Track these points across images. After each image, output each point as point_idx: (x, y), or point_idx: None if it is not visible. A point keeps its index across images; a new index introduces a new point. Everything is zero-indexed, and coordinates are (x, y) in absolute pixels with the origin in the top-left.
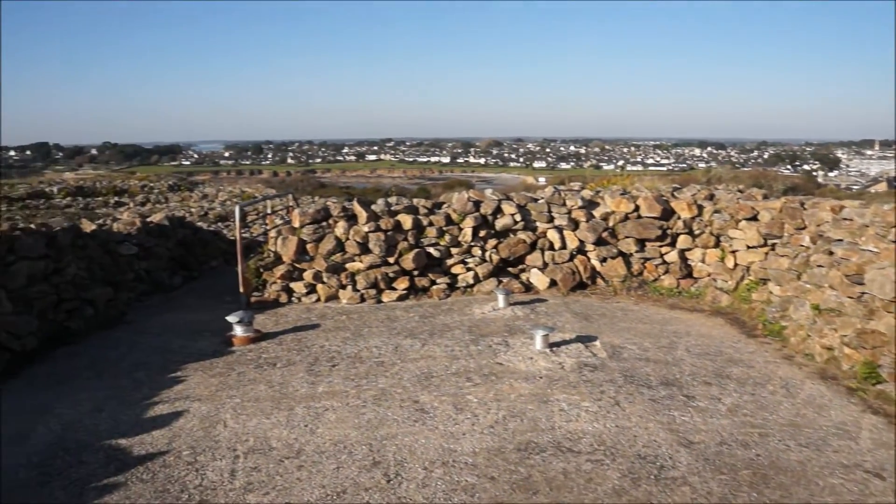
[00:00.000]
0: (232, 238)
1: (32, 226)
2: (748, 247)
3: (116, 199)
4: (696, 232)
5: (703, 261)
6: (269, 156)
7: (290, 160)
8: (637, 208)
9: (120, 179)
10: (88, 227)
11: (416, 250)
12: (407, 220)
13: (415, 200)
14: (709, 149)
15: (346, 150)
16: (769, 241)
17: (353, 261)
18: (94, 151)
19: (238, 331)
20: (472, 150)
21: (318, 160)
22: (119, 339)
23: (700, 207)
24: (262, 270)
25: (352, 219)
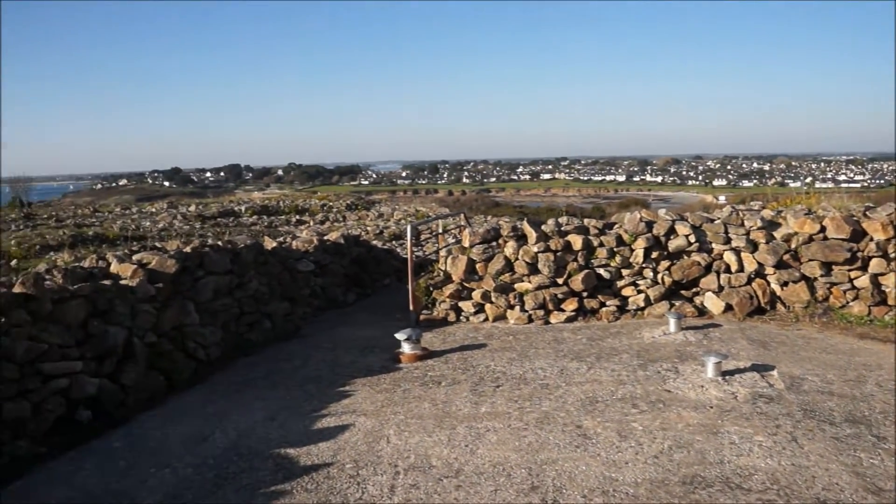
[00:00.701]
0: (404, 256)
1: (220, 243)
2: None
3: (298, 217)
4: (893, 255)
5: None
6: (445, 175)
7: (465, 179)
8: (823, 229)
9: (301, 199)
10: (270, 244)
11: (586, 271)
12: (577, 241)
13: (585, 220)
14: None
15: (520, 168)
16: None
17: (522, 281)
18: (279, 172)
19: (406, 348)
20: (648, 168)
21: (493, 179)
22: (293, 352)
23: None
24: (431, 289)
25: (521, 239)
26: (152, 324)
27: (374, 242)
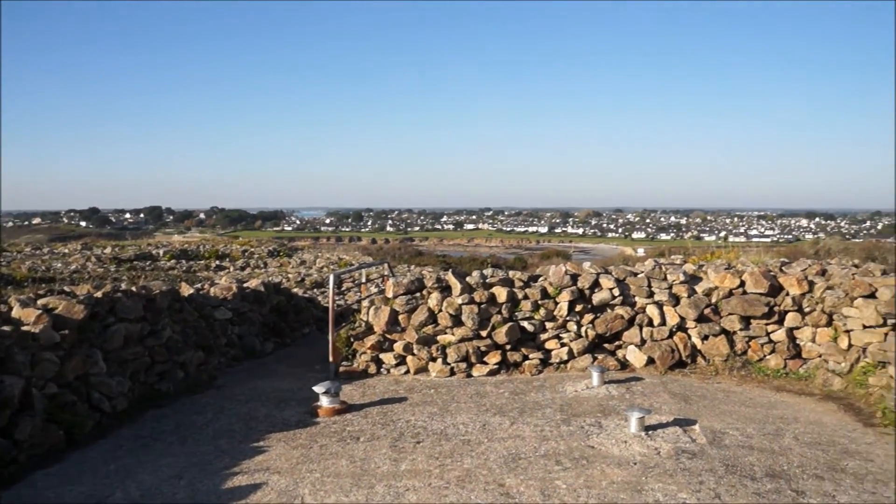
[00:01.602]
0: (326, 305)
1: (133, 288)
2: (865, 326)
3: (218, 262)
4: (807, 309)
5: (813, 340)
6: (369, 223)
7: (389, 227)
8: (742, 283)
9: (223, 244)
10: (186, 290)
11: (510, 324)
12: (501, 293)
13: (510, 273)
14: (817, 219)
15: (444, 218)
16: (889, 321)
17: (445, 333)
18: (202, 215)
19: (324, 401)
20: (570, 220)
21: (417, 228)
22: (206, 405)
23: (811, 283)
24: (352, 340)
25: (445, 290)
26: (55, 373)
27: (296, 290)
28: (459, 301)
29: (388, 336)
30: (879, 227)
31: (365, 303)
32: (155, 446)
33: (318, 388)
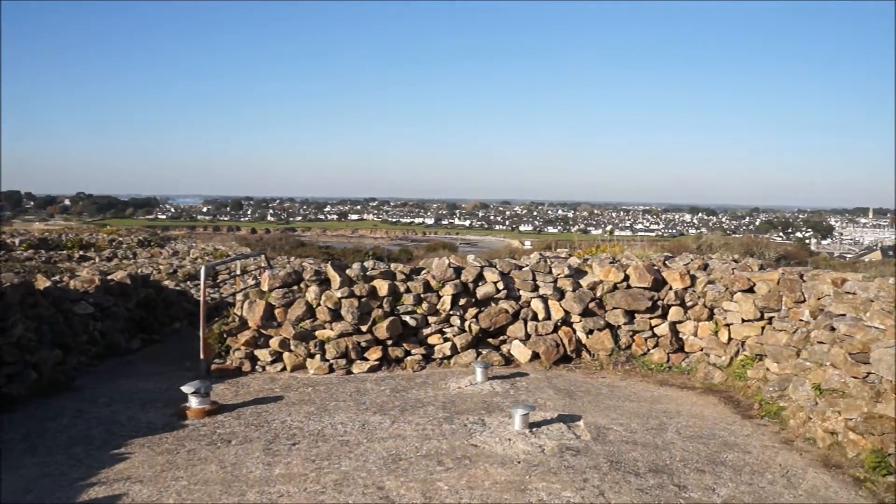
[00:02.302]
0: (199, 299)
1: None
2: (743, 320)
3: (82, 253)
4: (689, 304)
5: (695, 334)
6: (249, 212)
7: (270, 217)
8: (627, 278)
9: (88, 232)
10: (42, 283)
11: (392, 318)
12: (383, 286)
13: (392, 265)
14: (699, 215)
15: (328, 208)
16: (766, 315)
17: (324, 328)
18: (66, 202)
19: (193, 402)
20: (457, 211)
21: (299, 218)
22: (62, 409)
23: (693, 278)
24: (225, 335)
25: (325, 283)
26: None
27: (167, 283)
28: (339, 294)
29: (264, 331)
30: (758, 222)
31: (239, 296)
32: (0, 457)
33: (186, 388)
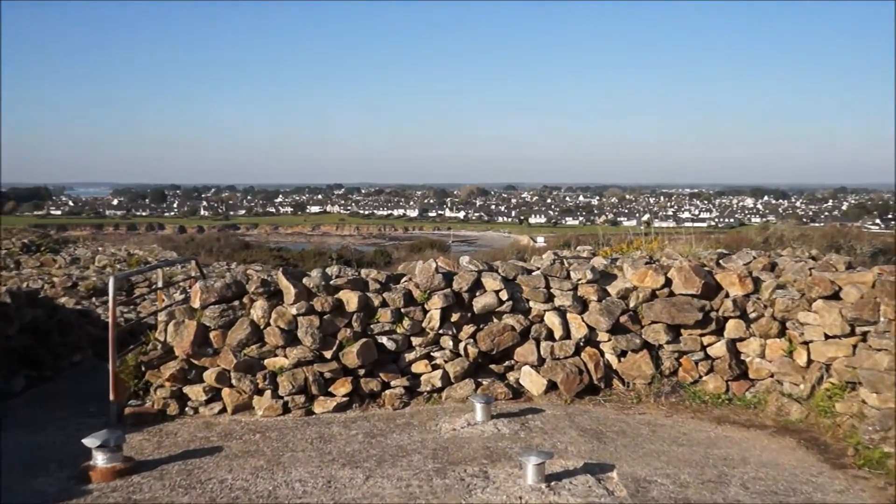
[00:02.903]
0: (107, 320)
1: None
2: (827, 336)
3: None
4: (752, 315)
5: (762, 355)
6: (176, 205)
7: (203, 212)
8: (669, 282)
9: None
10: None
11: (364, 340)
12: (352, 299)
13: (364, 272)
14: (765, 198)
15: (280, 199)
16: (858, 329)
17: (275, 355)
18: None
19: (99, 459)
20: (448, 200)
21: (242, 212)
22: None
23: (757, 281)
24: (144, 368)
25: (275, 296)
26: None
27: (63, 300)
28: (294, 311)
29: (196, 361)
30: (844, 207)
31: (162, 316)
32: None
33: (90, 441)
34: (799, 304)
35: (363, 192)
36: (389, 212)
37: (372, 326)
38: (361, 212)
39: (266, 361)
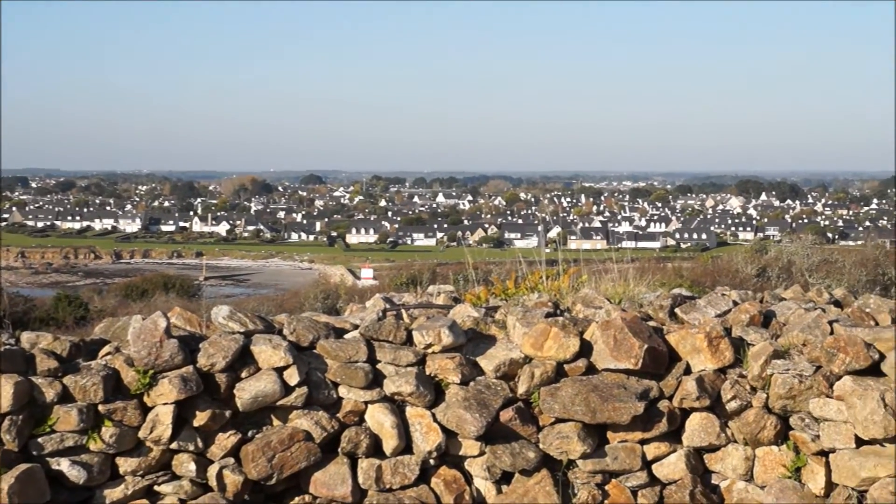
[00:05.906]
0: None
1: None
2: (860, 442)
3: None
4: (732, 405)
5: (748, 477)
6: None
7: None
8: (587, 349)
9: None
10: None
11: (24, 468)
12: (3, 390)
13: (26, 337)
14: (762, 197)
15: None
16: None
17: None
18: None
19: None
20: (199, 202)
21: None
22: None
23: (740, 345)
24: None
25: None
26: None
27: None
28: None
29: None
30: None
31: None
32: None
33: None
34: (812, 386)
35: (34, 186)
36: (86, 223)
37: (41, 441)
38: (30, 223)
39: None
